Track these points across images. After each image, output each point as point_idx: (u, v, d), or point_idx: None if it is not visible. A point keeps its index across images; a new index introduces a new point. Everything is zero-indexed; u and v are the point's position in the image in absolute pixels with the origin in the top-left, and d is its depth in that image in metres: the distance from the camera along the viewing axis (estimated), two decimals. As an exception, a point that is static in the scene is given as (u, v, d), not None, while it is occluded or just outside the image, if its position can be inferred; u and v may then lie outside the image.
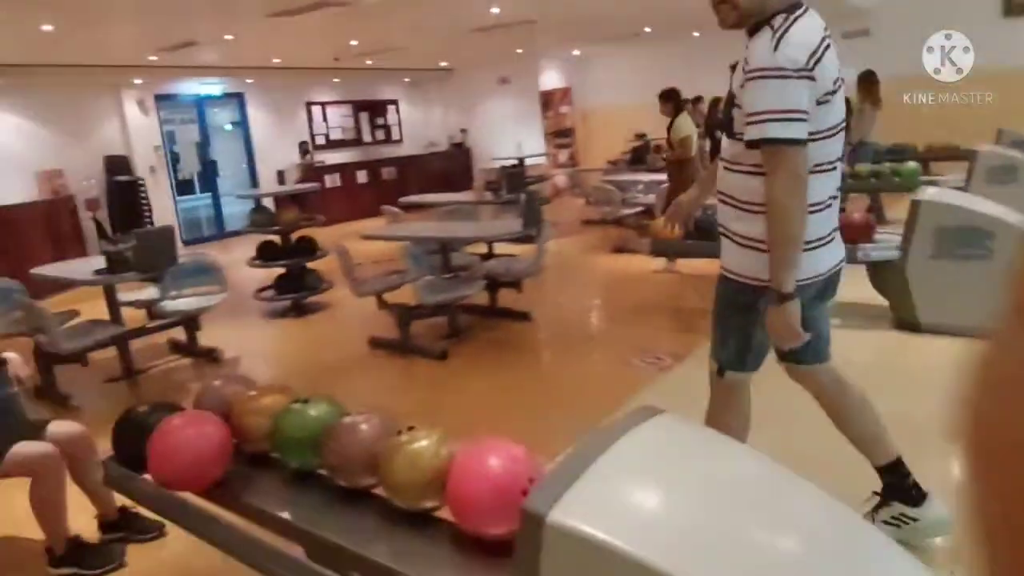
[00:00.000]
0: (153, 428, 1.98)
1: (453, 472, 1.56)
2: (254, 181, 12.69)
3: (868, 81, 7.80)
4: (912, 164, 7.08)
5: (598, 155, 12.31)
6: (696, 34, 11.86)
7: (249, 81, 11.95)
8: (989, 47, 7.38)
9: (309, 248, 6.13)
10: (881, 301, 4.26)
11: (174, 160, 12.70)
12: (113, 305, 4.67)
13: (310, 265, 6.24)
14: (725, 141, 1.94)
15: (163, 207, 10.81)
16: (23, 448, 2.40)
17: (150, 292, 5.33)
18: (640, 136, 11.08)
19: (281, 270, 6.18)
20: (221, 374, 2.24)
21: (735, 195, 1.91)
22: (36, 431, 2.54)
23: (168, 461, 1.87)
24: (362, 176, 13.37)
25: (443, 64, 14.02)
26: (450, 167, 14.91)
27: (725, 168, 1.94)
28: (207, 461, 1.89)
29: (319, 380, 4.55)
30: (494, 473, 1.51)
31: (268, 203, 11.54)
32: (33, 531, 2.77)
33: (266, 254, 6.08)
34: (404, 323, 4.74)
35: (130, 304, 5.04)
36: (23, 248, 7.69)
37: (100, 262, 4.80)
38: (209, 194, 13.12)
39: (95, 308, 5.14)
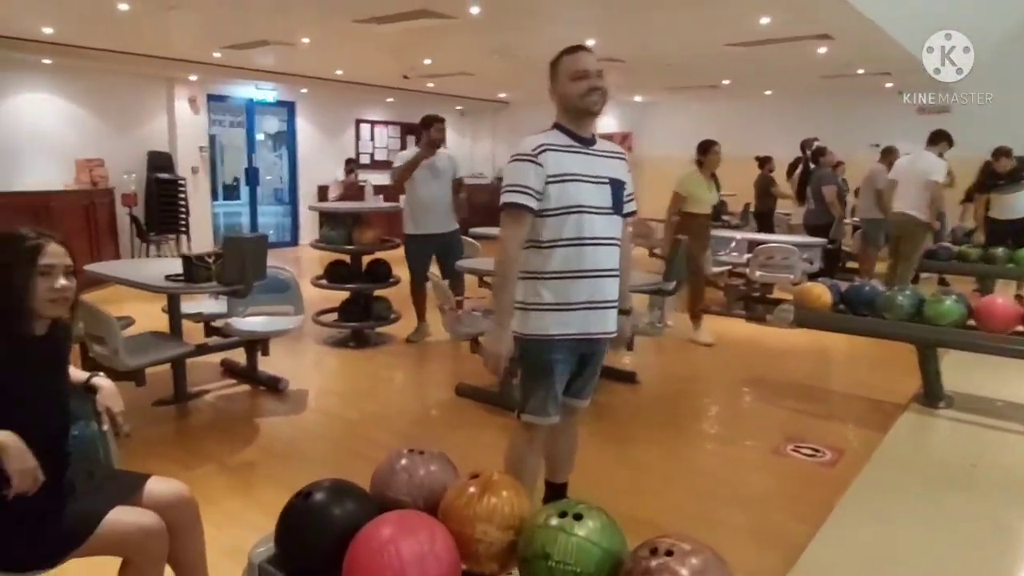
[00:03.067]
0: (347, 530, 1.39)
1: None
2: (293, 194, 12.19)
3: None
4: (1025, 251, 6.55)
5: (654, 206, 11.85)
6: (768, 93, 11.55)
7: (303, 91, 11.53)
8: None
9: (383, 273, 5.55)
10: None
11: (215, 163, 12.23)
12: (176, 317, 4.07)
13: (378, 292, 5.66)
14: (611, 220, 2.31)
15: (201, 210, 10.28)
16: (120, 517, 1.78)
17: (208, 304, 4.75)
18: (706, 190, 10.61)
19: (346, 294, 5.60)
20: (401, 451, 1.62)
21: (615, 267, 2.34)
22: (131, 490, 1.92)
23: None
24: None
25: (501, 95, 13.65)
26: (493, 202, 14.25)
27: (610, 245, 2.31)
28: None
29: (410, 433, 3.94)
30: None
31: (309, 216, 11.10)
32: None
33: (336, 275, 5.50)
34: (506, 373, 4.12)
35: (187, 317, 4.44)
36: (59, 239, 7.09)
37: (165, 265, 4.23)
38: (239, 200, 12.63)
39: (136, 311, 4.56)
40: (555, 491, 2.68)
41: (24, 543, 1.71)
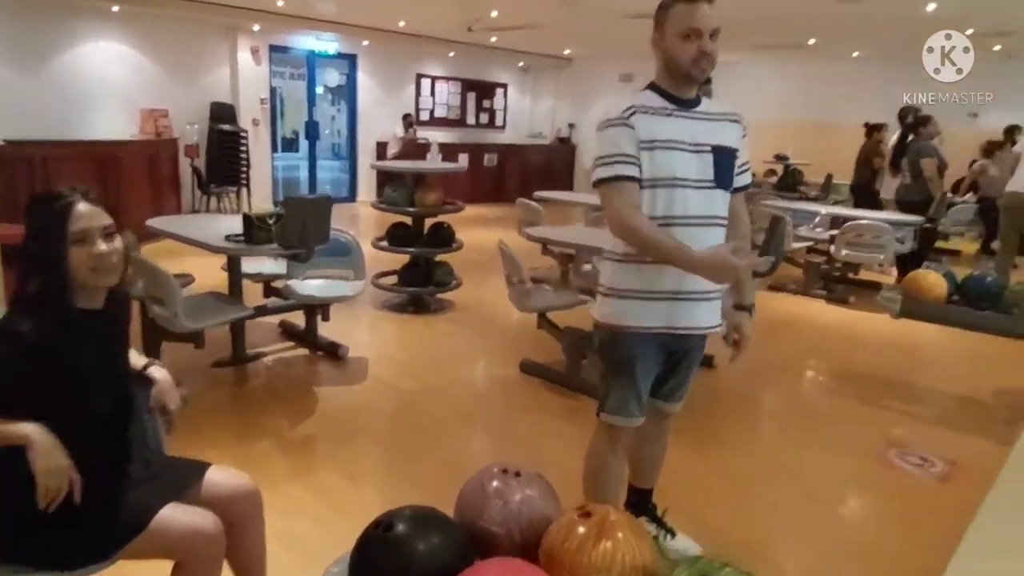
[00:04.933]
0: (433, 569, 1.16)
1: None
2: (352, 149, 12.02)
3: None
4: None
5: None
6: (856, 54, 10.77)
7: (365, 43, 11.24)
8: None
9: (446, 237, 5.30)
10: None
11: (274, 116, 12.09)
12: (236, 279, 3.92)
13: (440, 257, 5.42)
14: (713, 196, 1.94)
15: (261, 163, 10.20)
16: (175, 516, 1.59)
17: (268, 264, 4.59)
18: (781, 158, 10.01)
19: (407, 258, 5.38)
20: (492, 470, 1.37)
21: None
22: (189, 481, 1.73)
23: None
24: (463, 159, 12.55)
25: (565, 52, 13.13)
26: (553, 162, 14.04)
27: (708, 225, 1.93)
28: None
29: (472, 411, 3.73)
30: None
31: (367, 173, 10.92)
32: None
33: (397, 238, 5.28)
34: (575, 353, 3.87)
35: (247, 276, 4.28)
36: (122, 188, 7.06)
37: (225, 225, 4.05)
38: (298, 153, 12.51)
39: (193, 266, 4.42)
40: (639, 496, 2.42)
41: (73, 538, 1.53)
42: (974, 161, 8.65)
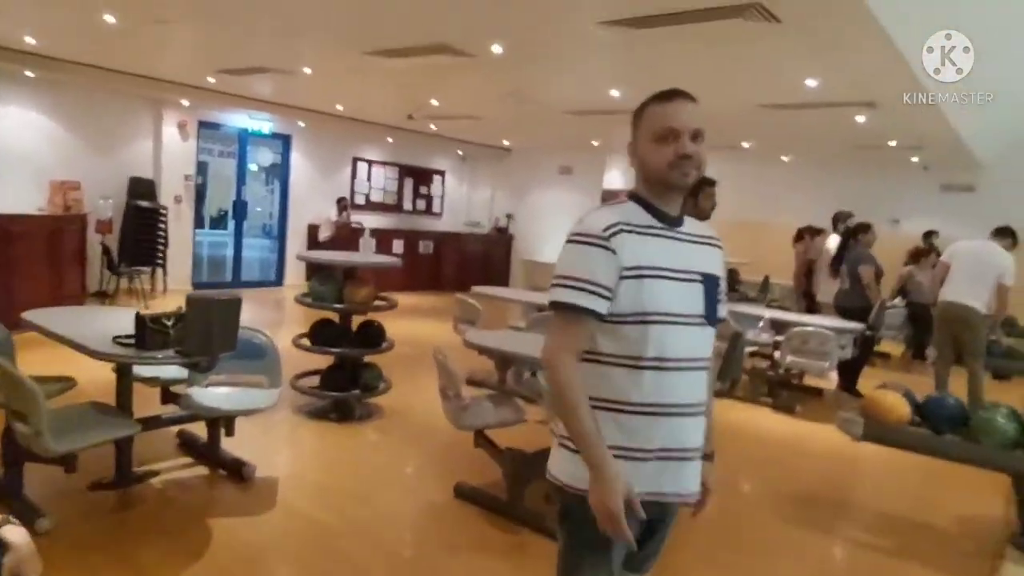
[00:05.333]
0: None
1: None
2: (283, 231, 11.52)
3: None
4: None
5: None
6: (785, 159, 11.15)
7: (301, 124, 10.98)
8: None
9: (375, 337, 4.87)
10: None
11: (201, 193, 11.53)
12: (126, 388, 3.37)
13: (369, 358, 4.97)
14: (703, 333, 1.64)
15: (181, 242, 9.60)
16: None
17: (168, 368, 4.02)
18: (718, 257, 10.07)
19: (331, 359, 4.90)
20: None
21: (702, 400, 1.67)
22: None
23: None
24: (398, 246, 12.23)
25: (505, 143, 13.19)
26: (490, 253, 13.82)
27: (697, 368, 1.64)
28: None
29: (397, 552, 3.22)
30: None
31: (296, 266, 10.41)
32: None
33: (321, 336, 4.80)
34: (517, 479, 3.45)
35: (142, 381, 3.72)
36: (16, 267, 6.39)
37: (120, 321, 3.51)
38: (226, 230, 11.94)
39: (81, 361, 3.78)
40: None
41: None
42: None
